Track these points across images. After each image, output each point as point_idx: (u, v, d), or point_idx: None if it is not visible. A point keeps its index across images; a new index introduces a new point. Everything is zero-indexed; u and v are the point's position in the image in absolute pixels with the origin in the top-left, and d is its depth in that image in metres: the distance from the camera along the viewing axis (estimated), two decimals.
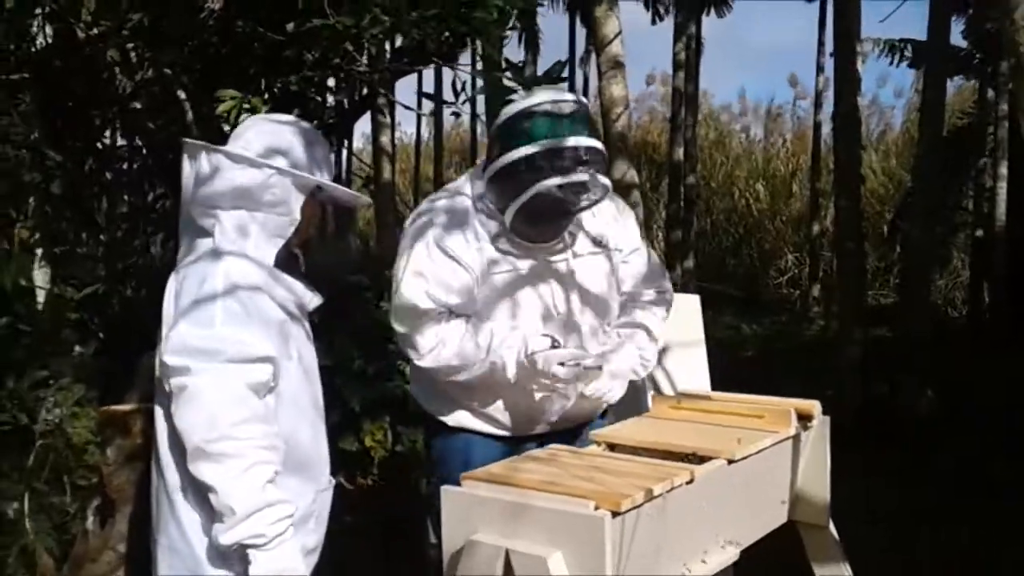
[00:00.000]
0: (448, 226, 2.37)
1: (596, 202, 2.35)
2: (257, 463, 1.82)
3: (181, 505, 1.92)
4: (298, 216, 2.01)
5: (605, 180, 2.27)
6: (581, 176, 2.21)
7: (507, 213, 2.28)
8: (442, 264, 2.34)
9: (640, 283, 2.61)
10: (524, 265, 2.39)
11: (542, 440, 2.44)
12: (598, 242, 2.49)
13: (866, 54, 12.45)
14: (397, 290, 2.37)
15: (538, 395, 2.41)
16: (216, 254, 1.93)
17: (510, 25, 3.15)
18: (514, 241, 2.37)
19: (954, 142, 11.85)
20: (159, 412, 1.96)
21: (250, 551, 1.82)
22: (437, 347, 2.35)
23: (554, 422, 2.46)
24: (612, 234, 2.52)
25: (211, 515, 1.87)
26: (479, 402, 2.47)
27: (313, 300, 2.08)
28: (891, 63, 13.33)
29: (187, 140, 2.11)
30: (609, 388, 2.44)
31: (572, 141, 2.21)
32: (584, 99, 2.38)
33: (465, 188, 2.44)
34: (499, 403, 2.46)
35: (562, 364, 2.30)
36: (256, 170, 1.97)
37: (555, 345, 2.35)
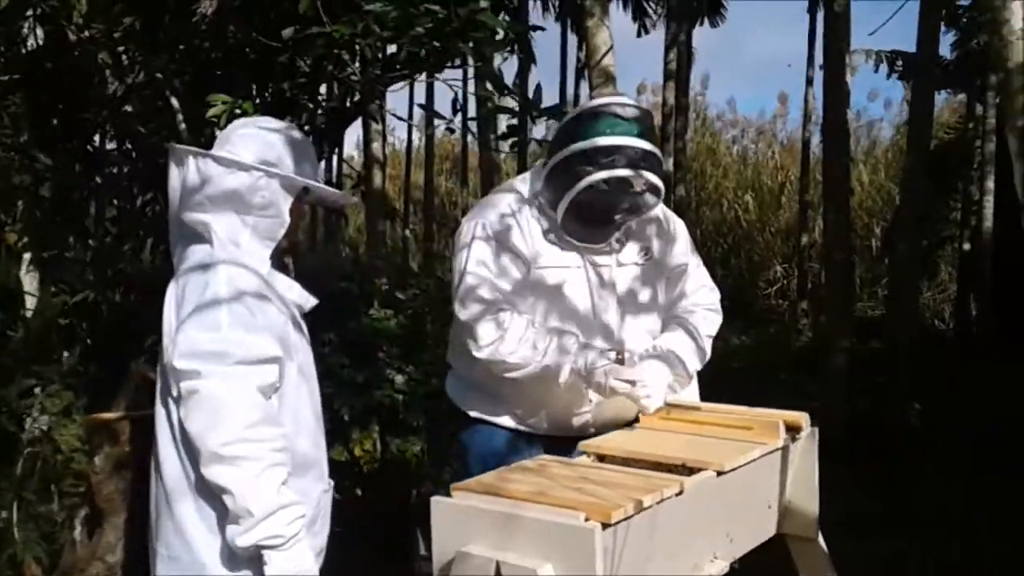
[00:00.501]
0: (504, 219, 2.44)
1: (649, 207, 2.42)
2: (272, 465, 1.85)
3: (183, 512, 1.92)
4: (287, 218, 2.04)
5: (658, 183, 2.34)
6: (631, 172, 2.28)
7: (559, 207, 2.35)
8: (505, 258, 2.41)
9: (686, 300, 2.65)
10: (570, 264, 2.44)
11: (576, 442, 2.44)
12: (645, 254, 2.53)
13: (856, 67, 12.54)
14: (461, 280, 2.42)
15: (581, 405, 2.45)
16: (214, 259, 1.95)
17: (508, 48, 3.19)
18: (563, 239, 2.42)
19: (942, 156, 11.94)
20: (161, 416, 1.96)
21: (266, 552, 1.85)
22: (497, 341, 2.37)
23: (588, 427, 2.50)
24: (661, 248, 2.57)
25: (215, 521, 1.89)
26: (516, 401, 2.50)
27: (309, 301, 2.11)
28: (887, 75, 13.47)
29: (174, 145, 2.12)
30: (648, 395, 2.42)
31: (628, 141, 2.28)
32: (647, 107, 2.43)
33: (521, 186, 2.52)
34: (537, 404, 2.49)
35: (618, 379, 2.34)
36: (244, 173, 1.99)
37: (619, 360, 2.38)
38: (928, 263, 12.85)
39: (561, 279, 2.44)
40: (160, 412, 1.97)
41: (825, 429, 2.52)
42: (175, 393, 1.89)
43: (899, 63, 13.80)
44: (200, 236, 1.99)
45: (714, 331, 2.66)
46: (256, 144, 2.04)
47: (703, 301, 2.66)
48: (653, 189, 2.37)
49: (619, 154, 2.28)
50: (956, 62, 12.73)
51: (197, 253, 1.99)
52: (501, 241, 2.42)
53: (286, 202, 2.03)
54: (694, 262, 2.68)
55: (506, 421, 2.53)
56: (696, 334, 2.59)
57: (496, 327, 2.37)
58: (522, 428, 2.53)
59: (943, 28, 10.37)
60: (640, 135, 2.31)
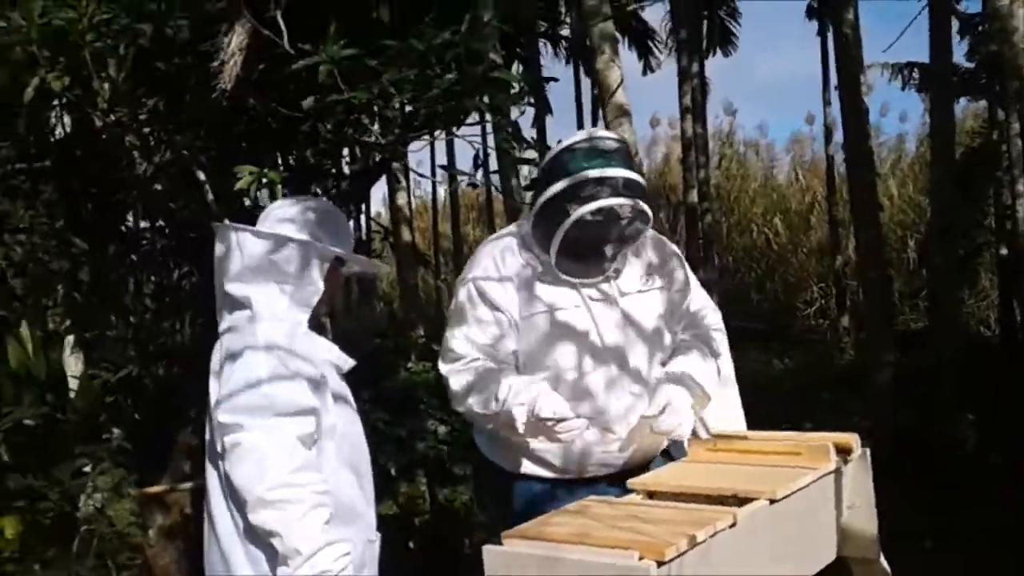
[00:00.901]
0: (493, 272, 2.45)
1: (640, 234, 2.42)
2: (315, 506, 1.94)
3: (236, 562, 2.00)
4: (322, 286, 2.17)
5: (646, 209, 2.34)
6: (616, 201, 2.28)
7: (551, 247, 2.35)
8: (483, 311, 2.42)
9: (693, 321, 2.63)
10: (569, 304, 2.43)
11: (608, 481, 2.44)
12: (646, 280, 2.52)
13: (871, 84, 12.49)
14: (445, 335, 2.45)
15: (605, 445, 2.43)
16: (253, 324, 2.09)
17: (524, 102, 3.25)
18: (560, 279, 2.41)
19: (968, 164, 11.82)
20: (212, 476, 2.07)
21: None
22: (464, 393, 2.39)
23: (621, 464, 2.47)
24: (660, 273, 2.56)
25: (266, 566, 1.98)
26: (531, 446, 2.46)
27: (348, 362, 2.21)
28: (901, 87, 13.41)
29: (216, 223, 2.31)
30: (679, 423, 2.40)
31: (607, 171, 2.30)
32: (624, 137, 2.44)
33: (514, 230, 2.54)
34: (549, 447, 2.44)
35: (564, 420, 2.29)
36: (281, 245, 2.13)
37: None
38: (967, 271, 12.65)
39: (563, 321, 2.42)
40: (211, 472, 2.07)
41: (873, 447, 2.48)
42: (218, 448, 2.00)
43: (915, 75, 13.74)
44: (242, 304, 2.13)
45: (724, 351, 2.64)
46: (292, 218, 2.19)
47: (711, 323, 2.64)
48: (641, 216, 2.36)
49: (602, 185, 2.29)
50: (973, 69, 12.64)
51: (239, 319, 2.12)
52: (483, 295, 2.42)
53: (320, 271, 2.16)
54: (694, 283, 2.66)
55: (537, 470, 2.49)
56: (710, 355, 2.57)
57: (466, 380, 2.38)
58: (555, 476, 2.48)
59: (956, 37, 10.35)
60: (619, 164, 2.32)
